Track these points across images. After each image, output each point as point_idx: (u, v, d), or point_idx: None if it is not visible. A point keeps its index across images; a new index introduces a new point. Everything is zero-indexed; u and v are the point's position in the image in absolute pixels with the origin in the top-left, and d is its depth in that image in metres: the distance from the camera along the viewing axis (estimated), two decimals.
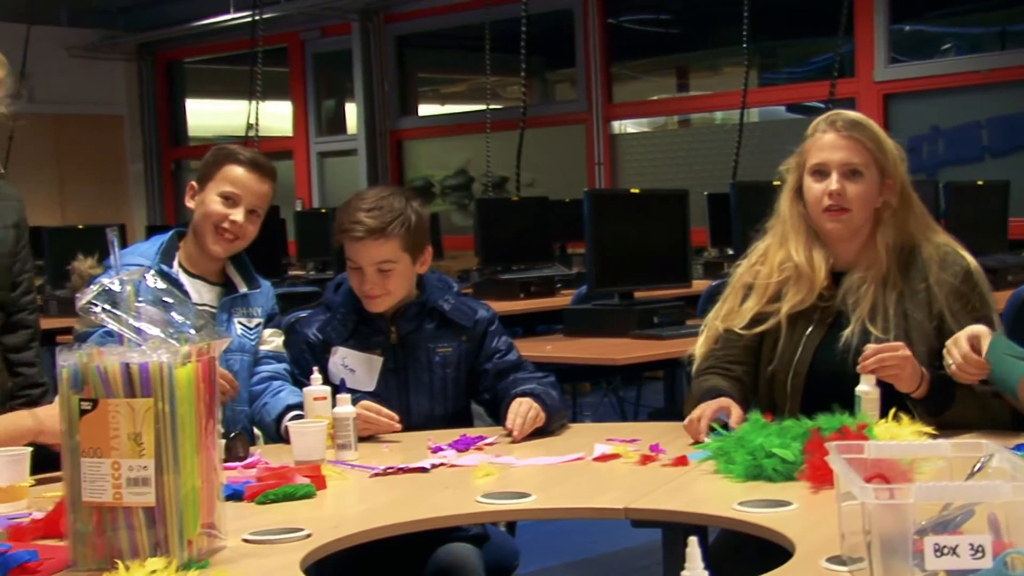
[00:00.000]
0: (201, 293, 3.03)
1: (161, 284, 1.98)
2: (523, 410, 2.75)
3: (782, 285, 2.71)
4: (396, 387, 2.93)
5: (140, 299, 1.92)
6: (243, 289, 3.08)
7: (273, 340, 3.09)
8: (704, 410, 2.55)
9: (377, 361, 2.93)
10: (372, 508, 2.25)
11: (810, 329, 2.67)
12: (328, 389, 2.72)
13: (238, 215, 2.99)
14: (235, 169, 3.01)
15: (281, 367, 3.04)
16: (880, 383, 2.49)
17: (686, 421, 2.60)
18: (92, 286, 1.90)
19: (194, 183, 3.07)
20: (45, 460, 2.38)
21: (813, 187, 2.68)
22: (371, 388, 2.90)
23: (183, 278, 3.01)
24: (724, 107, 10.11)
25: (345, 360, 2.93)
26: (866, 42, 8.92)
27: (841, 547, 1.73)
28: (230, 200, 2.99)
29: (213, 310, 3.02)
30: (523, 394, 2.81)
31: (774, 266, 2.72)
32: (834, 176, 2.64)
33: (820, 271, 2.67)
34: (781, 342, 2.68)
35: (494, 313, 3.07)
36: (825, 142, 2.66)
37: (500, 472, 2.40)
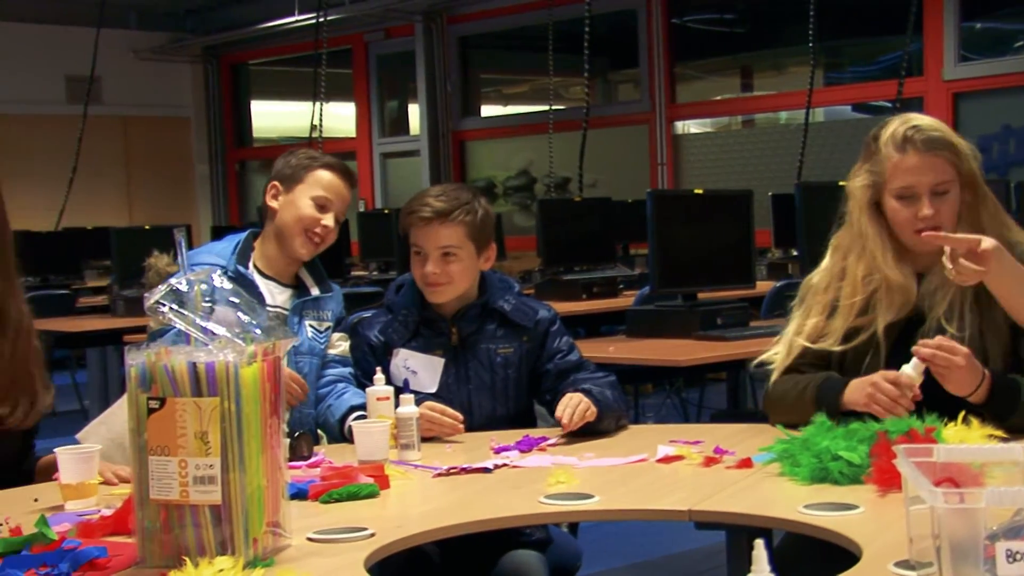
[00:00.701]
0: (274, 295, 3.05)
1: (228, 284, 2.00)
2: (573, 402, 2.73)
3: (869, 298, 2.66)
4: (458, 388, 2.94)
5: (207, 299, 1.94)
6: (315, 292, 3.11)
7: (340, 344, 3.10)
8: (885, 377, 2.47)
9: (439, 362, 2.93)
10: (435, 508, 2.25)
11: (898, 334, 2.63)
12: (391, 389, 2.73)
13: (329, 220, 3.04)
14: (327, 174, 3.06)
15: (346, 371, 3.06)
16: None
17: (870, 390, 2.47)
18: (162, 286, 1.92)
19: (277, 183, 3.08)
20: None
21: (901, 211, 2.61)
22: (433, 389, 2.91)
23: (257, 279, 3.03)
24: (789, 107, 10.04)
25: (407, 362, 2.94)
26: (935, 40, 8.81)
27: (909, 552, 1.71)
28: (322, 205, 3.03)
29: (285, 312, 3.04)
30: (576, 391, 2.81)
31: (858, 282, 2.66)
32: (925, 201, 2.58)
33: (911, 281, 2.63)
34: (883, 354, 2.62)
35: (555, 313, 3.06)
36: (909, 165, 2.59)
37: (571, 478, 2.38)
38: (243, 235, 3.12)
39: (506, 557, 2.57)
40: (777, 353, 2.75)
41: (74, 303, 7.76)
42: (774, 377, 2.71)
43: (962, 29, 8.78)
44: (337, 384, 3.03)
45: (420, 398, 2.79)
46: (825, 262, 2.76)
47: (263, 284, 3.03)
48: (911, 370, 2.45)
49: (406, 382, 2.89)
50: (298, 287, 3.11)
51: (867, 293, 2.65)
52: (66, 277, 8.70)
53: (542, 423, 3.03)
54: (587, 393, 2.78)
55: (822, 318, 2.70)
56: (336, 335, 3.11)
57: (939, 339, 2.45)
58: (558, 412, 2.73)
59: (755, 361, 2.81)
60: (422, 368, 2.93)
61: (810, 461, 2.24)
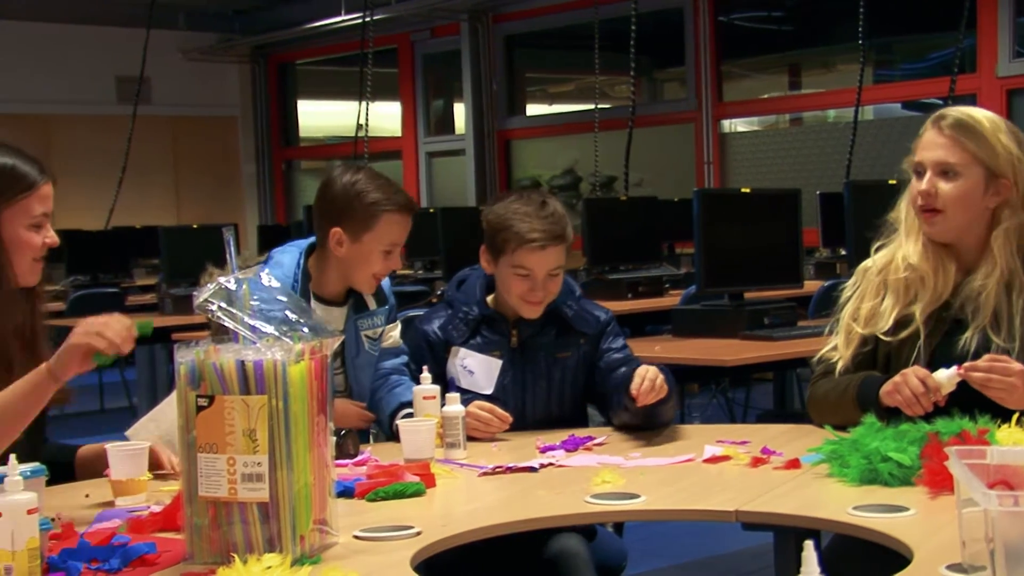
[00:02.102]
0: (332, 318, 3.02)
1: (276, 283, 2.01)
2: (651, 375, 2.69)
3: (911, 287, 2.63)
4: (513, 390, 2.93)
5: (255, 297, 1.95)
6: (373, 306, 3.10)
7: (392, 335, 3.11)
8: (916, 373, 2.44)
9: (496, 364, 2.92)
10: (481, 507, 2.25)
11: (927, 333, 2.60)
12: (437, 388, 2.73)
13: (397, 263, 3.05)
14: (394, 224, 2.98)
15: (399, 361, 3.06)
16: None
17: (898, 380, 2.45)
18: (210, 284, 1.94)
19: (340, 230, 2.96)
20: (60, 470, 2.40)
21: (912, 186, 2.62)
22: (489, 391, 2.90)
23: (314, 305, 3.00)
24: (837, 105, 9.95)
25: (464, 361, 2.93)
26: (989, 36, 8.69)
27: (962, 555, 1.68)
28: (390, 252, 3.00)
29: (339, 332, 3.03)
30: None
31: (899, 267, 2.65)
32: (928, 175, 2.58)
33: (941, 274, 2.60)
34: (922, 346, 2.59)
35: (612, 315, 3.05)
36: (925, 140, 2.60)
37: (617, 478, 2.37)
38: (297, 259, 3.04)
39: (552, 541, 2.56)
40: (835, 348, 2.71)
41: (123, 301, 7.84)
42: (840, 367, 2.67)
43: (1017, 24, 8.66)
44: (390, 377, 3.04)
45: (473, 398, 2.79)
46: (878, 245, 2.74)
47: (319, 309, 3.00)
48: (944, 378, 2.42)
49: (452, 380, 2.88)
50: (347, 301, 3.09)
51: (910, 278, 2.62)
52: (115, 276, 8.79)
53: (593, 425, 3.03)
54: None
55: (877, 300, 2.67)
56: (388, 325, 3.12)
57: (988, 360, 2.40)
58: (633, 387, 2.68)
59: (816, 357, 2.77)
60: (479, 368, 2.92)
61: (859, 462, 2.22)
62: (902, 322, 2.61)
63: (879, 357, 2.66)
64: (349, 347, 3.04)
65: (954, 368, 2.42)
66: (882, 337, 2.63)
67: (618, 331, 3.03)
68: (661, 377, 2.72)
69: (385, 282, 3.16)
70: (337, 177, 3.03)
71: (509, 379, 2.92)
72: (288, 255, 3.08)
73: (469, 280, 3.00)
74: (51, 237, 2.38)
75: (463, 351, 2.93)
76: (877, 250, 2.73)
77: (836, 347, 2.70)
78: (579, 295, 3.03)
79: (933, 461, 2.11)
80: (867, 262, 2.74)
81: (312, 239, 3.09)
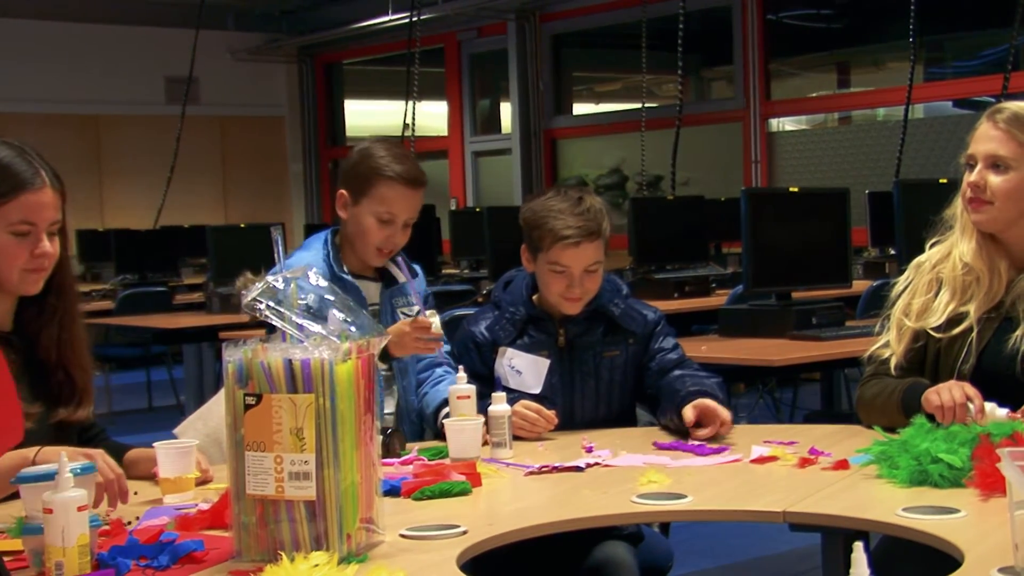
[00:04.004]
0: (369, 293, 3.05)
1: (323, 282, 2.02)
2: (725, 416, 2.72)
3: (968, 286, 2.60)
4: (562, 390, 2.92)
5: (302, 296, 1.96)
6: (402, 279, 3.10)
7: (432, 322, 3.11)
8: (961, 389, 2.42)
9: (544, 364, 2.92)
10: (527, 506, 2.25)
11: (978, 331, 2.57)
12: (473, 388, 2.71)
13: (397, 234, 3.00)
14: (389, 190, 2.97)
15: (441, 350, 3.06)
16: None
17: (946, 385, 2.44)
18: (258, 283, 1.94)
19: (345, 192, 3.02)
20: None
21: (964, 178, 2.60)
22: (537, 390, 2.90)
23: (353, 280, 3.01)
24: (887, 103, 9.86)
25: (512, 361, 2.92)
26: None
27: (1014, 558, 1.66)
28: (388, 222, 2.98)
29: (377, 306, 3.04)
30: (702, 394, 2.77)
31: (956, 264, 2.62)
32: (978, 167, 2.55)
33: (996, 274, 2.57)
34: (974, 345, 2.56)
35: (661, 314, 3.04)
36: (979, 133, 2.58)
37: (663, 478, 2.36)
38: (324, 237, 3.07)
39: (598, 548, 2.56)
40: (887, 344, 2.68)
41: (171, 300, 7.91)
42: (893, 362, 2.65)
43: None
44: (435, 370, 3.03)
45: (522, 398, 2.78)
46: (933, 241, 2.72)
47: (359, 284, 3.03)
48: (989, 409, 2.38)
49: (498, 379, 2.88)
50: (382, 276, 3.11)
51: (965, 276, 2.60)
52: (163, 274, 8.87)
53: (642, 424, 3.02)
54: (715, 399, 2.75)
55: (929, 296, 2.64)
56: (427, 312, 3.12)
57: None
58: (689, 420, 2.71)
59: (867, 354, 2.74)
60: (527, 368, 2.92)
61: (909, 463, 2.20)
62: (954, 319, 2.59)
63: (928, 355, 2.63)
64: (384, 320, 3.03)
65: (1006, 411, 2.39)
66: (932, 333, 2.60)
67: (669, 331, 3.01)
68: (727, 426, 2.73)
69: (418, 269, 3.15)
70: (360, 146, 3.07)
71: (557, 379, 2.92)
72: (314, 239, 3.11)
73: (516, 281, 3.00)
74: (41, 247, 2.24)
75: (510, 351, 2.93)
76: (931, 247, 2.70)
77: (887, 344, 2.67)
78: (626, 294, 3.02)
79: (984, 463, 2.08)
80: (921, 257, 2.71)
81: (330, 231, 3.12)
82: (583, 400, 2.93)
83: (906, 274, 2.72)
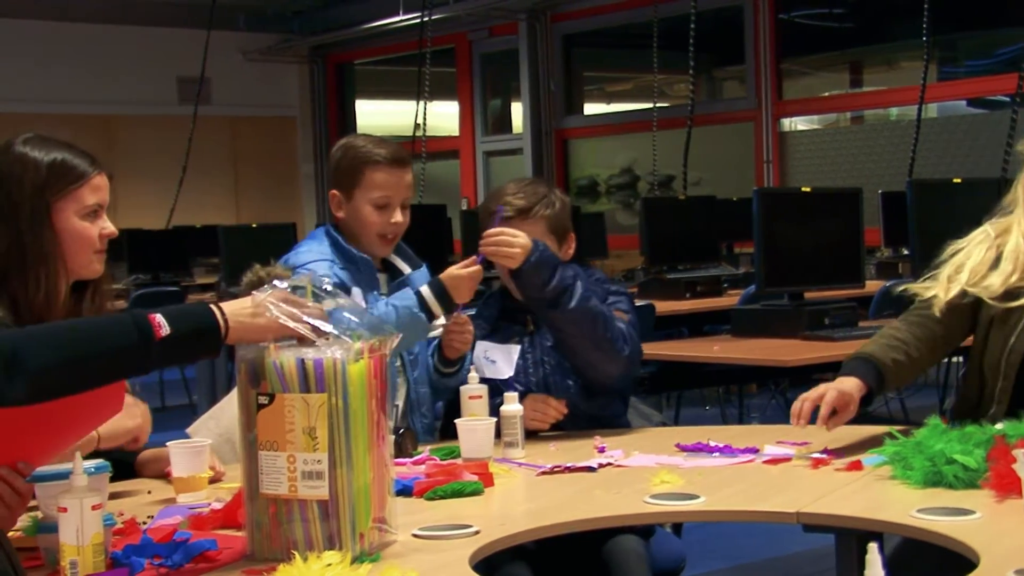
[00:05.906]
0: (382, 283, 3.06)
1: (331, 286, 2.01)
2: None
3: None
4: (534, 370, 2.95)
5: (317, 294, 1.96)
6: (407, 270, 3.10)
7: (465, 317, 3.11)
8: (822, 393, 2.47)
9: (514, 349, 2.96)
10: (540, 507, 2.25)
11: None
12: (485, 388, 2.74)
13: (396, 216, 2.99)
14: (378, 174, 2.96)
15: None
16: None
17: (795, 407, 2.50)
18: (268, 285, 1.94)
19: (336, 192, 3.01)
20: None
21: None
22: (510, 374, 2.93)
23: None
24: (899, 103, 9.84)
25: (487, 353, 2.97)
26: None
27: None
28: (384, 207, 2.97)
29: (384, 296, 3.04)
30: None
31: (1020, 240, 2.62)
32: None
33: None
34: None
35: (622, 286, 3.09)
36: None
37: (676, 479, 2.36)
38: (323, 228, 3.05)
39: (610, 542, 2.55)
40: (931, 286, 2.68)
41: (183, 299, 7.92)
42: (935, 304, 2.64)
43: None
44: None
45: (497, 385, 2.83)
46: (992, 221, 2.72)
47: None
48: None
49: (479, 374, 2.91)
50: (387, 268, 3.10)
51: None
52: (176, 274, 8.88)
53: (633, 412, 3.07)
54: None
55: (985, 263, 2.64)
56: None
57: None
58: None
59: (910, 289, 2.74)
60: (499, 356, 2.97)
61: (923, 464, 2.19)
62: (1012, 292, 2.58)
63: (981, 319, 2.63)
64: None
65: None
66: (990, 301, 2.60)
67: (624, 298, 3.00)
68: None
69: (421, 263, 3.15)
70: (339, 144, 3.08)
71: (529, 360, 2.95)
72: (313, 233, 3.10)
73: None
74: (108, 228, 2.37)
75: (484, 344, 2.98)
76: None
77: (931, 286, 2.67)
78: (597, 278, 3.02)
79: (1000, 464, 2.07)
80: (987, 224, 2.71)
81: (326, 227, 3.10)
82: (555, 375, 2.93)
83: (970, 235, 2.71)
